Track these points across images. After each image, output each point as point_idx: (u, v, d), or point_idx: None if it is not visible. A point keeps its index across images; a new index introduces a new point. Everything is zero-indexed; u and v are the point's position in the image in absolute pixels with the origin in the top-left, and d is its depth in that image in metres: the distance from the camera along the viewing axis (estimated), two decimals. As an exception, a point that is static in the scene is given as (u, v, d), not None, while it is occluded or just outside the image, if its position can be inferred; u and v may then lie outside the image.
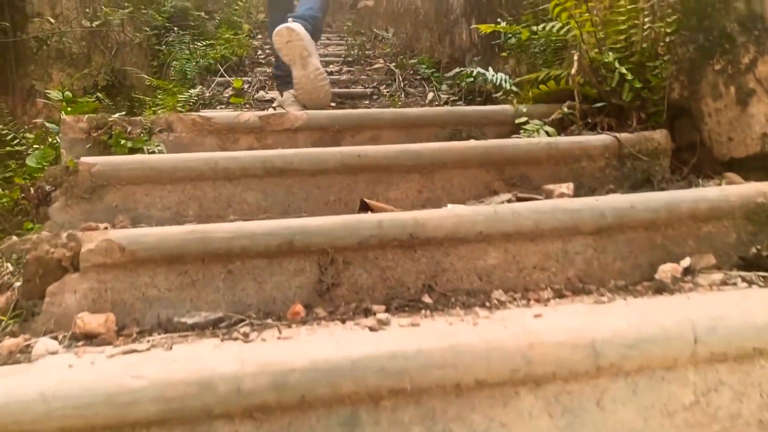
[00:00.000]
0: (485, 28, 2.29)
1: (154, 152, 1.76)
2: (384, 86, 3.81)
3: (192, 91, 3.39)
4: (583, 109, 1.88)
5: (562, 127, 1.92)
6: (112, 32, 5.61)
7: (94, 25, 5.34)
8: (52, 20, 5.17)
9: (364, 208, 1.46)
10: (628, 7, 1.80)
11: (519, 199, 1.53)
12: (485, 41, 3.17)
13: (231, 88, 3.55)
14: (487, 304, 1.09)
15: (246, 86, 3.69)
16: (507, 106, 2.05)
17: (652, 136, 1.68)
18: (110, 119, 1.80)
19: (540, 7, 2.37)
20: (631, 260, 1.23)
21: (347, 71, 4.29)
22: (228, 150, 1.86)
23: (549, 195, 1.42)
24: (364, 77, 4.09)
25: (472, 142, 1.64)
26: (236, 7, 5.76)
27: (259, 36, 5.55)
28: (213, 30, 5.52)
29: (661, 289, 1.11)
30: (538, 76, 2.10)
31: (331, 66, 4.37)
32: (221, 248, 1.09)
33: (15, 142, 4.46)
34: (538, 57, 2.34)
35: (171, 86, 3.64)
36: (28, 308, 1.04)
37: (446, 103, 3.27)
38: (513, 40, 2.39)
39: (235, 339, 0.92)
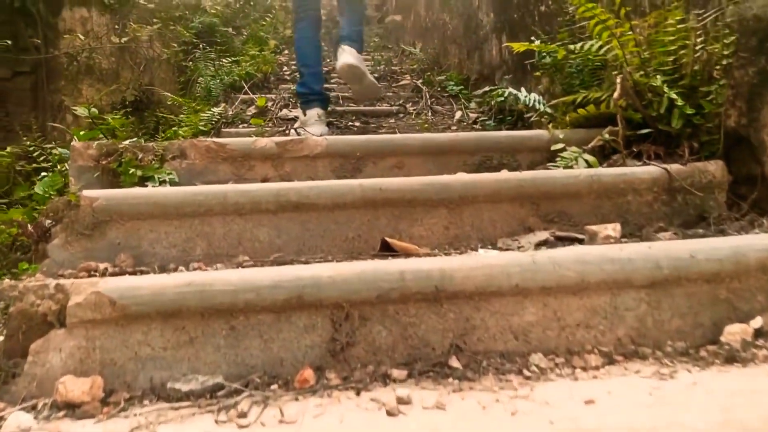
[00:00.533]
0: (519, 47, 2.14)
1: (165, 181, 1.65)
2: (410, 103, 3.69)
3: (215, 109, 3.32)
4: (627, 136, 1.72)
5: (603, 155, 1.76)
6: (141, 48, 5.62)
7: (122, 42, 5.36)
8: (82, 37, 5.20)
9: (386, 247, 1.33)
10: (678, 26, 1.63)
11: (557, 239, 1.38)
12: (516, 58, 3.02)
13: (254, 106, 3.47)
14: (525, 372, 0.94)
15: (270, 104, 3.60)
16: (542, 132, 1.90)
17: (706, 168, 1.51)
18: (121, 146, 1.70)
19: (577, 25, 2.22)
20: (690, 318, 1.06)
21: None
22: (243, 178, 1.74)
23: (593, 237, 1.27)
24: (390, 94, 3.97)
25: (504, 174, 1.49)
26: (263, 23, 5.72)
27: (286, 51, 5.50)
28: (240, 46, 5.49)
29: (731, 357, 0.95)
30: (576, 99, 1.94)
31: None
32: (223, 303, 0.97)
33: (42, 158, 4.46)
34: (574, 77, 2.19)
35: (194, 104, 3.57)
36: (8, 369, 0.93)
37: (475, 122, 3.12)
38: (548, 60, 2.23)
39: (230, 420, 0.79)
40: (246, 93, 3.85)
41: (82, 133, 2.18)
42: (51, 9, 5.71)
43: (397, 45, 6.18)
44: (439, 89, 3.92)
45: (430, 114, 3.41)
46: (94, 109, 4.16)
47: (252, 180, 1.74)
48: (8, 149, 3.96)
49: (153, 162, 1.70)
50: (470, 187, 1.43)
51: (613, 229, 1.25)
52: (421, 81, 4.07)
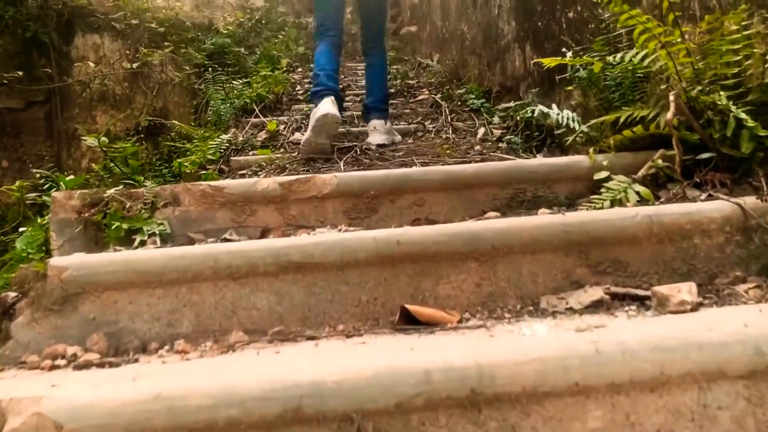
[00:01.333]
0: (549, 62, 1.90)
1: (154, 233, 1.45)
2: (429, 120, 3.46)
3: (224, 136, 3.14)
4: (683, 161, 1.47)
5: (655, 184, 1.51)
6: (153, 73, 5.51)
7: (134, 67, 5.25)
8: (92, 64, 5.10)
9: (406, 317, 1.10)
10: (743, 33, 1.38)
11: (614, 297, 1.13)
12: (543, 70, 2.78)
13: (265, 131, 3.28)
14: None
15: (281, 127, 3.41)
16: (581, 158, 1.65)
17: (789, 201, 1.25)
18: (106, 195, 1.51)
19: (613, 33, 1.97)
20: (805, 417, 0.81)
21: (389, 104, 3.96)
22: (244, 225, 1.54)
23: (663, 303, 1.02)
24: (408, 111, 3.75)
25: (545, 218, 1.25)
26: (276, 41, 5.57)
27: (299, 69, 5.33)
28: (252, 66, 5.34)
29: None
30: (619, 117, 1.69)
31: (372, 99, 4.06)
32: (199, 421, 0.75)
33: (53, 190, 4.33)
34: (612, 91, 1.94)
35: (203, 131, 3.40)
36: None
37: (500, 139, 2.88)
38: (582, 73, 1.99)
39: None
40: (257, 116, 3.67)
41: (69, 178, 1.98)
42: (63, 37, 5.64)
43: (413, 56, 5.97)
44: (459, 103, 3.69)
45: (450, 132, 3.17)
46: (104, 139, 4.02)
47: (254, 227, 1.53)
48: (17, 183, 3.82)
49: (142, 211, 1.50)
50: (505, 236, 1.19)
51: (688, 291, 1.00)
52: (439, 95, 3.84)
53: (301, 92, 4.35)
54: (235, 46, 5.42)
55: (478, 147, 2.68)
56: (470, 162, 2.22)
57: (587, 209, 1.44)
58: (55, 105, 5.51)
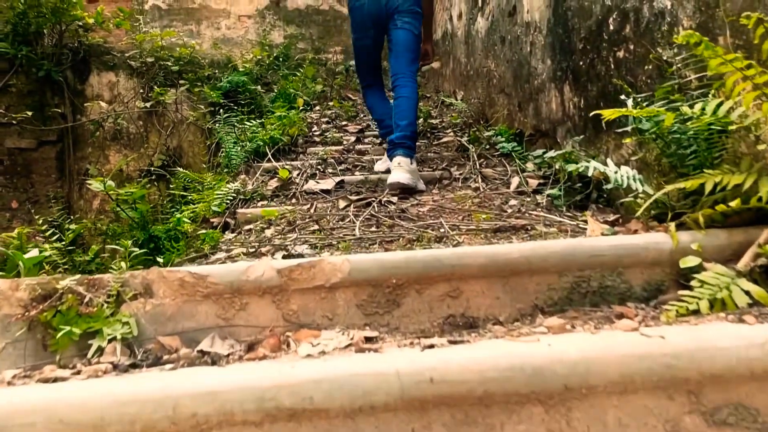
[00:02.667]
0: (610, 115, 1.56)
1: (115, 338, 1.12)
2: (455, 166, 3.13)
3: (231, 185, 2.84)
4: (803, 247, 1.11)
5: (766, 275, 1.14)
6: (168, 111, 5.31)
7: (148, 106, 5.05)
8: (104, 104, 4.90)
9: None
10: None
11: (749, 472, 0.77)
12: (586, 113, 2.44)
13: (277, 178, 2.98)
14: None
15: (295, 173, 3.11)
16: (660, 237, 1.29)
17: None
18: (60, 286, 1.19)
19: (687, 79, 1.63)
20: None
21: (412, 147, 3.64)
22: (232, 322, 1.20)
23: None
24: (432, 154, 3.43)
25: (637, 345, 0.89)
26: (293, 79, 5.34)
27: (317, 108, 5.08)
28: (269, 104, 5.10)
29: None
30: (704, 184, 1.34)
31: (393, 142, 3.75)
32: None
33: (54, 238, 4.07)
34: (684, 147, 1.59)
35: (210, 178, 3.12)
36: None
37: (537, 191, 2.53)
38: (647, 124, 1.64)
39: None
40: (270, 160, 3.38)
41: (29, 255, 1.67)
42: (79, 76, 5.49)
43: (435, 94, 5.69)
44: (487, 147, 3.35)
45: (480, 180, 2.83)
46: (110, 183, 3.77)
47: (245, 325, 1.20)
48: (17, 231, 3.54)
49: (105, 306, 1.18)
50: (582, 372, 0.84)
51: None
52: (466, 138, 3.52)
53: (317, 133, 4.07)
54: (251, 84, 5.20)
55: (513, 202, 2.32)
56: (508, 224, 1.87)
57: (677, 312, 1.07)
58: (67, 144, 5.33)
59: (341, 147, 3.66)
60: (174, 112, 5.19)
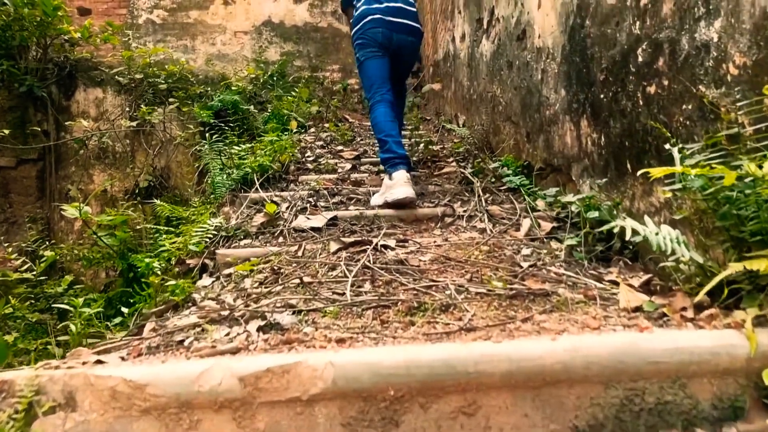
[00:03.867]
0: (658, 173, 1.28)
1: (15, 478, 0.82)
2: (458, 202, 2.85)
3: (212, 220, 2.54)
4: None
5: None
6: (156, 130, 5.03)
7: (134, 125, 4.76)
8: (85, 123, 4.60)
9: None
10: None
11: None
12: (607, 151, 2.17)
13: (264, 213, 2.69)
14: None
15: (284, 206, 2.82)
16: (732, 336, 1.00)
17: None
18: (-51, 397, 0.89)
19: (749, 128, 1.35)
20: None
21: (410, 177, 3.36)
22: (178, 445, 0.90)
23: None
24: (433, 187, 3.15)
25: None
26: (290, 98, 5.06)
27: (312, 129, 4.80)
28: (262, 125, 4.83)
29: None
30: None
31: (391, 171, 3.47)
32: None
33: (25, 268, 3.79)
34: (741, 208, 1.31)
35: (190, 212, 2.83)
36: None
37: (551, 235, 2.25)
38: (699, 182, 1.36)
39: None
40: (257, 190, 3.09)
41: None
42: (64, 91, 5.21)
43: (436, 117, 5.44)
44: (493, 179, 3.08)
45: (486, 219, 2.55)
46: (86, 209, 3.48)
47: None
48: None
49: (12, 422, 0.88)
50: None
51: None
52: (470, 168, 3.25)
53: (311, 159, 3.79)
54: (243, 104, 4.93)
55: (526, 251, 2.04)
56: (526, 289, 1.58)
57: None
58: (49, 162, 5.03)
59: (335, 175, 3.38)
60: (162, 131, 4.91)
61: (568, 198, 2.05)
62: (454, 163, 3.45)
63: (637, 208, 1.96)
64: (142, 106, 4.82)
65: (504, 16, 3.45)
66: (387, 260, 1.94)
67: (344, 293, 1.61)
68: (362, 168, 3.59)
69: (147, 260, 2.26)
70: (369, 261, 1.90)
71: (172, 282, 1.79)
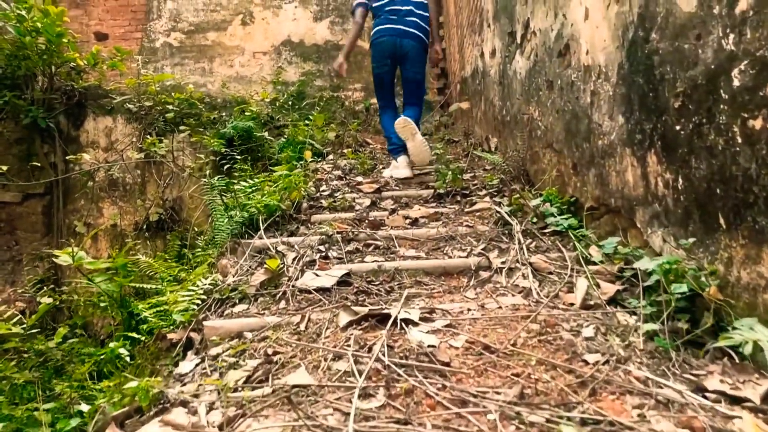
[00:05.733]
0: None
1: None
2: (495, 250, 2.38)
3: (202, 282, 2.14)
4: None
5: None
6: (166, 160, 4.70)
7: (143, 156, 4.44)
8: (87, 157, 4.30)
9: None
10: None
11: None
12: (687, 198, 1.69)
13: (265, 269, 2.27)
14: None
15: (290, 257, 2.40)
16: None
17: None
18: None
19: None
20: None
21: (435, 214, 2.91)
22: None
23: None
24: (464, 228, 2.69)
25: None
26: (303, 126, 4.67)
27: (331, 157, 4.40)
28: (277, 152, 4.46)
29: None
30: None
31: (413, 209, 3.03)
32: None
33: (15, 320, 3.47)
34: None
35: (179, 269, 2.43)
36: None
37: (614, 302, 1.77)
38: None
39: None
40: (262, 236, 2.69)
41: None
42: (72, 121, 4.94)
43: (464, 137, 4.98)
44: (534, 219, 2.61)
45: (530, 275, 2.08)
46: (81, 254, 3.14)
47: None
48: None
49: None
50: None
51: None
52: (507, 206, 2.78)
53: (326, 193, 3.37)
54: (258, 130, 4.56)
55: (589, 331, 1.56)
56: (603, 417, 1.12)
57: None
58: (56, 197, 4.76)
59: (353, 214, 2.96)
60: (173, 160, 4.58)
61: (643, 262, 1.57)
62: (487, 198, 2.99)
63: (737, 278, 1.48)
64: (151, 134, 4.50)
65: (541, 29, 2.99)
66: (408, 350, 1.49)
67: (347, 415, 1.17)
68: (383, 204, 3.16)
69: (112, 345, 1.86)
70: (384, 352, 1.45)
71: (133, 383, 1.38)
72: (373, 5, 3.99)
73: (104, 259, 3.62)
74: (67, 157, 4.37)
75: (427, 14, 3.93)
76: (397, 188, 3.47)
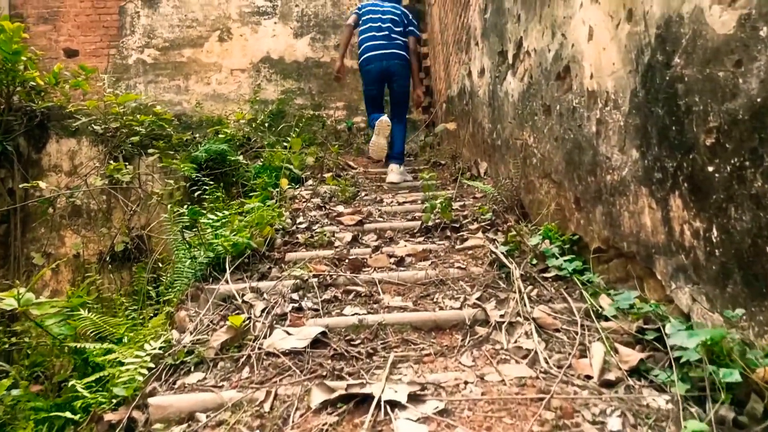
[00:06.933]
0: None
1: None
2: (492, 300, 2.08)
3: (151, 345, 1.80)
4: None
5: None
6: (133, 185, 4.34)
7: (107, 182, 4.08)
8: (43, 184, 3.93)
9: None
10: None
11: None
12: (723, 252, 1.41)
13: (227, 327, 1.94)
14: None
15: (258, 308, 2.08)
16: None
17: None
18: None
19: None
20: None
21: (423, 252, 2.61)
22: None
23: None
24: (455, 270, 2.39)
25: None
26: (283, 147, 4.35)
27: (310, 182, 4.08)
28: (253, 176, 4.13)
29: None
30: None
31: (399, 244, 2.71)
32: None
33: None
34: None
35: (122, 330, 2.09)
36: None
37: (636, 373, 1.48)
38: None
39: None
40: (228, 279, 2.36)
41: None
42: (34, 144, 4.56)
43: (452, 160, 4.70)
44: (533, 260, 2.32)
45: (534, 335, 1.78)
46: (29, 296, 2.79)
47: None
48: None
49: None
50: None
51: None
52: (502, 245, 2.48)
53: (303, 226, 3.05)
54: (232, 154, 4.24)
55: (614, 424, 1.26)
56: None
57: None
58: (14, 225, 4.37)
59: (332, 251, 2.64)
60: (140, 186, 4.23)
61: (677, 336, 1.27)
62: (480, 234, 2.69)
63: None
64: (117, 158, 4.14)
65: (536, 49, 2.72)
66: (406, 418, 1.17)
67: None
68: (365, 238, 2.85)
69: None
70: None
71: None
72: (360, 27, 4.59)
73: (57, 300, 3.25)
74: (21, 185, 4.00)
75: (403, 38, 4.55)
76: (381, 219, 3.17)
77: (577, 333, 1.76)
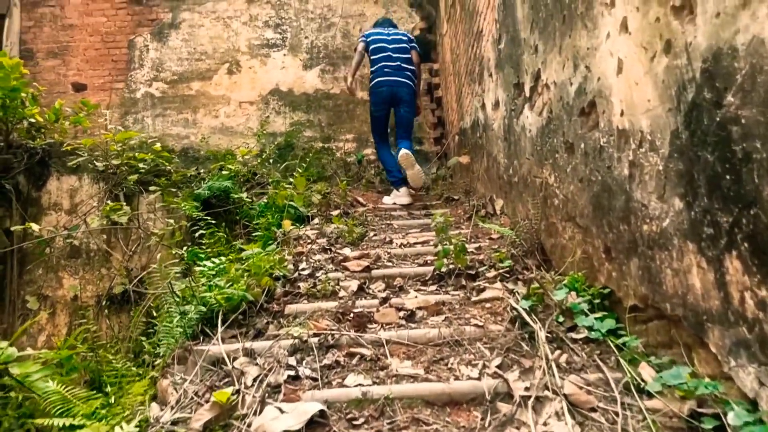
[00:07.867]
0: None
1: None
2: (515, 367, 1.82)
3: (125, 428, 1.56)
4: None
5: None
6: (133, 227, 4.17)
7: (104, 223, 3.91)
8: (36, 226, 3.76)
9: None
10: None
11: None
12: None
13: (212, 403, 1.70)
14: None
15: (251, 375, 1.84)
16: None
17: None
18: None
19: None
20: None
21: (436, 305, 2.35)
22: None
23: None
24: (472, 328, 2.13)
25: None
26: (289, 182, 4.16)
27: (316, 221, 3.87)
28: (257, 214, 3.93)
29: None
30: None
31: (409, 295, 2.47)
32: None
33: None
34: None
35: (95, 403, 1.87)
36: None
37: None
38: None
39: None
40: (220, 340, 2.12)
41: None
42: (34, 181, 4.43)
43: (465, 195, 4.47)
44: (560, 317, 2.06)
45: (566, 415, 1.52)
46: (11, 350, 2.61)
47: None
48: None
49: None
50: None
51: None
52: (523, 298, 2.23)
53: (306, 273, 2.82)
54: (237, 191, 4.05)
55: None
56: None
57: None
58: (10, 266, 4.21)
59: (335, 303, 2.40)
60: (139, 226, 4.05)
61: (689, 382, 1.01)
62: (498, 283, 2.44)
63: None
64: (118, 195, 3.97)
65: (556, 82, 2.51)
66: None
67: None
68: (373, 287, 2.61)
69: None
70: None
71: None
72: (371, 56, 4.91)
73: (45, 352, 3.05)
74: (12, 228, 3.83)
75: (413, 66, 4.94)
76: (390, 263, 2.93)
77: (617, 414, 1.49)
